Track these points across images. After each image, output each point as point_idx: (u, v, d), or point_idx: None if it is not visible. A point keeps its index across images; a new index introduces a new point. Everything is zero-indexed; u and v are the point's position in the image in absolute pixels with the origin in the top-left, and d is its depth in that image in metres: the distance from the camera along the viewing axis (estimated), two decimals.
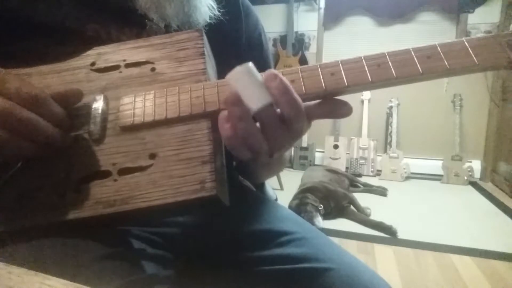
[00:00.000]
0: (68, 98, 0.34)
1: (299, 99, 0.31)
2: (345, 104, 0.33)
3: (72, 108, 0.36)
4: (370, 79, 0.33)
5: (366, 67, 0.34)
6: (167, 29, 0.46)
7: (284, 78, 0.30)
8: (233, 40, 0.54)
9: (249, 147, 0.32)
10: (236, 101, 0.29)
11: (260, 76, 0.31)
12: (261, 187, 0.69)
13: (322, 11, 3.02)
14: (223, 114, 0.31)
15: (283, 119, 0.31)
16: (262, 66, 0.37)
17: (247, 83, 0.29)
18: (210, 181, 0.32)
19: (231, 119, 0.30)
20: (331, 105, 0.34)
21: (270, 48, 0.65)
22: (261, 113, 0.30)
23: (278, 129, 0.31)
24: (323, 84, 0.34)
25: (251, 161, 0.47)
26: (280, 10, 3.13)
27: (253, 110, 0.29)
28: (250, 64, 0.30)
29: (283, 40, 3.10)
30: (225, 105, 0.30)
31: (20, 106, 0.29)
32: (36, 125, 0.30)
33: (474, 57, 0.33)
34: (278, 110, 0.31)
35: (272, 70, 0.31)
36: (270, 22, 3.13)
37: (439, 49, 0.33)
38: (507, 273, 1.44)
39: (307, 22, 3.08)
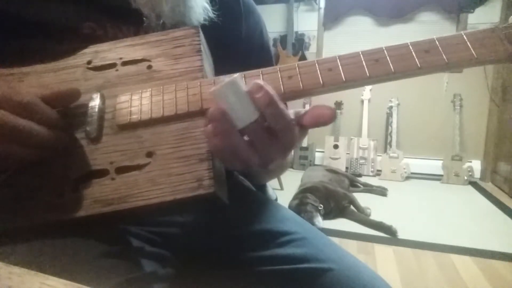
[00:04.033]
0: (63, 98, 0.34)
1: (285, 111, 0.30)
2: (328, 108, 0.32)
3: (68, 107, 0.36)
4: (368, 74, 0.33)
5: (364, 62, 0.33)
6: (163, 27, 0.46)
7: (270, 89, 0.29)
8: (232, 39, 0.53)
9: (239, 161, 0.31)
10: (221, 117, 0.28)
11: (245, 88, 0.29)
12: (261, 187, 0.69)
13: (322, 11, 3.02)
14: (209, 128, 0.30)
15: (271, 132, 0.30)
16: (263, 64, 0.37)
17: (233, 99, 0.28)
18: (208, 178, 0.32)
19: (217, 134, 0.29)
20: (318, 109, 0.32)
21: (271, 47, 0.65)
22: (247, 130, 0.30)
23: (267, 142, 0.30)
24: (321, 80, 0.33)
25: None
26: (280, 10, 3.13)
27: (238, 127, 0.29)
28: (237, 77, 0.29)
29: (283, 40, 3.10)
30: (210, 120, 0.29)
31: (11, 114, 0.29)
32: (30, 131, 0.30)
33: (472, 51, 0.32)
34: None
35: (257, 82, 0.29)
36: (270, 22, 3.13)
37: (437, 43, 0.33)
38: (507, 273, 1.44)
39: (307, 22, 3.08)
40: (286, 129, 0.30)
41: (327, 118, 0.31)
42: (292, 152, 0.56)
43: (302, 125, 0.33)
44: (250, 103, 0.29)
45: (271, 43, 3.07)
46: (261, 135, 0.30)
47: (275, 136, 0.31)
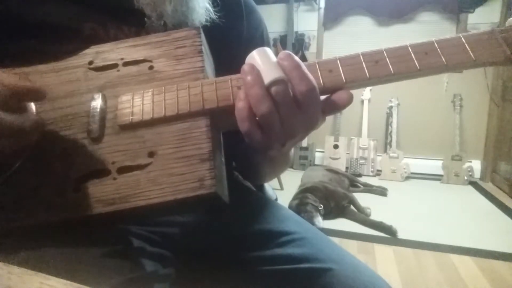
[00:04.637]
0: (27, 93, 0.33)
1: (311, 76, 0.31)
2: (346, 92, 0.34)
3: (68, 107, 0.36)
4: (368, 75, 0.33)
5: (364, 63, 0.34)
6: (165, 28, 0.46)
7: (297, 58, 0.32)
8: (233, 39, 0.53)
9: (262, 125, 0.32)
10: (250, 69, 0.31)
11: (275, 58, 0.32)
12: (261, 187, 0.69)
13: (322, 11, 3.02)
14: (239, 94, 0.32)
15: (296, 99, 0.31)
16: None
17: (262, 61, 0.31)
18: (209, 178, 0.32)
19: (245, 88, 0.31)
20: (336, 94, 0.34)
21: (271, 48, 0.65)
22: (273, 87, 0.31)
23: (292, 109, 0.31)
24: (321, 81, 0.34)
25: (260, 155, 0.47)
26: (280, 10, 3.13)
27: (265, 81, 0.31)
28: (266, 48, 0.33)
29: (283, 40, 3.10)
30: (241, 74, 0.32)
31: None
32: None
33: (471, 53, 0.33)
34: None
35: (286, 51, 0.32)
36: (270, 22, 3.13)
37: (436, 45, 0.33)
38: (507, 273, 1.44)
39: (307, 22, 3.08)
40: (310, 95, 0.31)
41: (344, 101, 0.33)
42: (292, 150, 0.55)
43: (325, 108, 0.34)
44: (278, 66, 0.31)
45: (271, 43, 3.07)
46: (287, 99, 0.31)
47: (300, 105, 0.32)
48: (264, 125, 0.32)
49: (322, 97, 0.34)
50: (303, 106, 0.32)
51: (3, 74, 0.31)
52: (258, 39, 0.58)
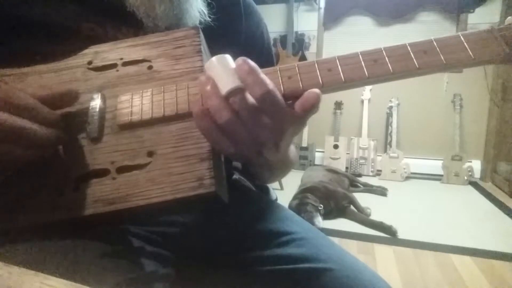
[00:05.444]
0: (61, 99, 0.34)
1: (267, 80, 0.30)
2: (313, 92, 0.32)
3: (68, 107, 0.36)
4: (367, 74, 0.33)
5: (363, 62, 0.34)
6: (164, 29, 0.46)
7: (253, 63, 0.30)
8: (232, 40, 0.53)
9: (227, 134, 0.31)
10: (206, 81, 0.31)
11: (234, 65, 0.31)
12: (261, 187, 0.69)
13: (322, 11, 3.02)
14: (196, 105, 0.31)
15: (256, 105, 0.30)
16: (264, 65, 0.37)
17: (220, 69, 0.30)
18: (209, 178, 0.32)
19: (203, 99, 0.31)
20: (306, 94, 0.32)
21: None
22: (231, 97, 0.30)
23: (252, 114, 0.30)
24: (320, 80, 0.34)
25: (249, 164, 0.47)
26: (280, 10, 3.13)
27: (223, 92, 0.30)
28: (226, 55, 0.31)
29: (283, 40, 3.10)
30: (198, 85, 0.31)
31: (10, 115, 0.29)
32: (29, 131, 0.30)
33: (470, 52, 0.33)
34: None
35: (242, 58, 0.31)
36: (270, 22, 3.13)
37: (435, 44, 0.33)
38: (507, 273, 1.44)
39: (307, 22, 3.08)
40: (268, 102, 0.30)
41: (312, 100, 0.32)
42: (294, 152, 0.55)
43: (294, 112, 0.32)
44: (235, 74, 0.30)
45: (272, 43, 3.06)
46: (246, 106, 0.30)
47: (260, 110, 0.31)
48: (229, 133, 0.31)
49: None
50: (263, 111, 0.31)
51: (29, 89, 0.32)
52: (257, 39, 0.58)
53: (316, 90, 0.32)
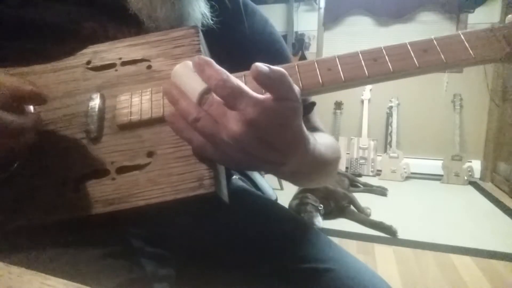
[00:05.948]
0: (29, 97, 0.33)
1: (221, 70, 0.29)
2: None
3: (68, 107, 0.36)
4: (367, 73, 0.33)
5: (363, 61, 0.34)
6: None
7: (207, 58, 0.30)
8: (235, 41, 0.53)
9: (204, 136, 0.30)
10: (173, 89, 0.31)
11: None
12: (260, 187, 0.69)
13: (322, 11, 3.02)
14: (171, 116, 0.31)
15: (220, 100, 0.29)
16: (279, 61, 0.35)
17: (184, 78, 0.31)
18: (209, 178, 0.32)
19: (174, 106, 0.31)
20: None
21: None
22: (204, 102, 0.30)
23: (220, 108, 0.29)
24: (320, 79, 0.34)
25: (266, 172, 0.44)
26: (280, 10, 3.13)
27: (194, 99, 0.30)
28: (188, 62, 0.31)
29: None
30: (165, 94, 0.32)
31: None
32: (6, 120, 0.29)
33: (470, 50, 0.33)
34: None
35: (197, 56, 0.31)
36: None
37: (435, 42, 0.33)
38: (507, 273, 1.44)
39: (307, 22, 3.08)
40: (225, 91, 0.28)
41: (254, 73, 0.28)
42: (333, 145, 0.47)
43: (265, 100, 0.29)
44: (199, 78, 0.30)
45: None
46: (218, 106, 0.29)
47: (225, 103, 0.29)
48: (205, 133, 0.30)
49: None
50: (227, 102, 0.29)
51: (6, 77, 0.31)
52: (266, 40, 0.57)
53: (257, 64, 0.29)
